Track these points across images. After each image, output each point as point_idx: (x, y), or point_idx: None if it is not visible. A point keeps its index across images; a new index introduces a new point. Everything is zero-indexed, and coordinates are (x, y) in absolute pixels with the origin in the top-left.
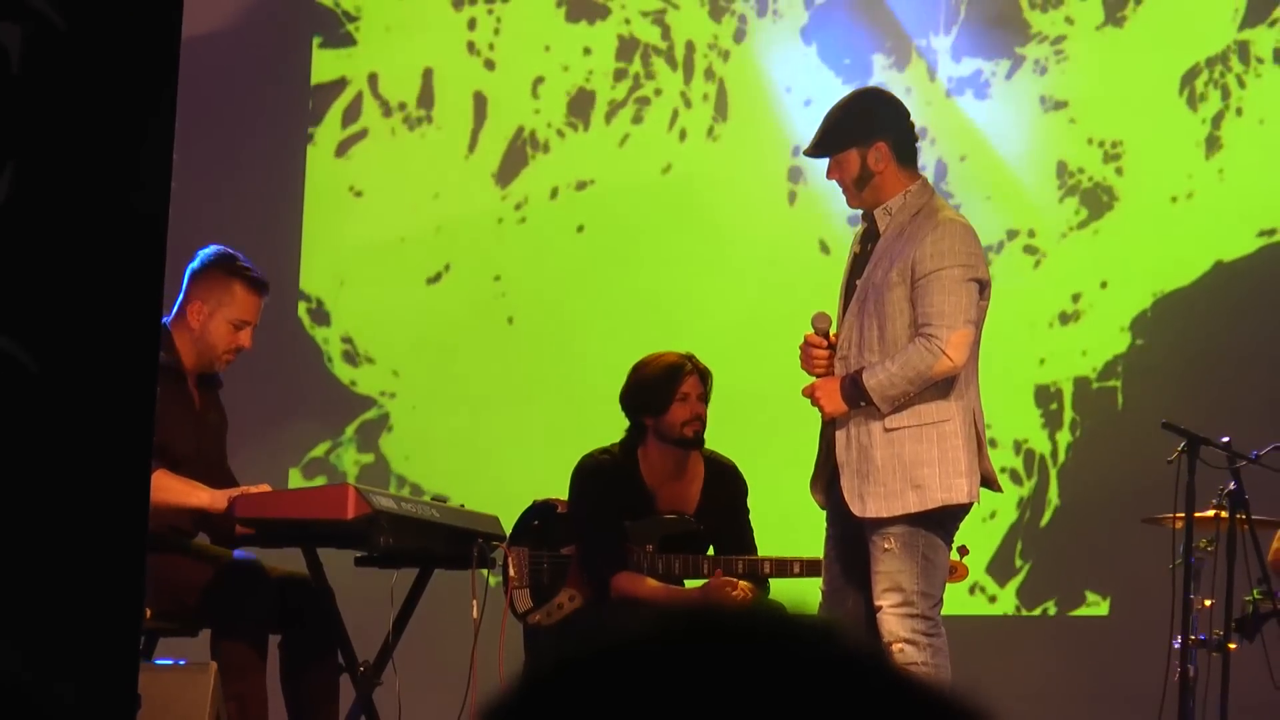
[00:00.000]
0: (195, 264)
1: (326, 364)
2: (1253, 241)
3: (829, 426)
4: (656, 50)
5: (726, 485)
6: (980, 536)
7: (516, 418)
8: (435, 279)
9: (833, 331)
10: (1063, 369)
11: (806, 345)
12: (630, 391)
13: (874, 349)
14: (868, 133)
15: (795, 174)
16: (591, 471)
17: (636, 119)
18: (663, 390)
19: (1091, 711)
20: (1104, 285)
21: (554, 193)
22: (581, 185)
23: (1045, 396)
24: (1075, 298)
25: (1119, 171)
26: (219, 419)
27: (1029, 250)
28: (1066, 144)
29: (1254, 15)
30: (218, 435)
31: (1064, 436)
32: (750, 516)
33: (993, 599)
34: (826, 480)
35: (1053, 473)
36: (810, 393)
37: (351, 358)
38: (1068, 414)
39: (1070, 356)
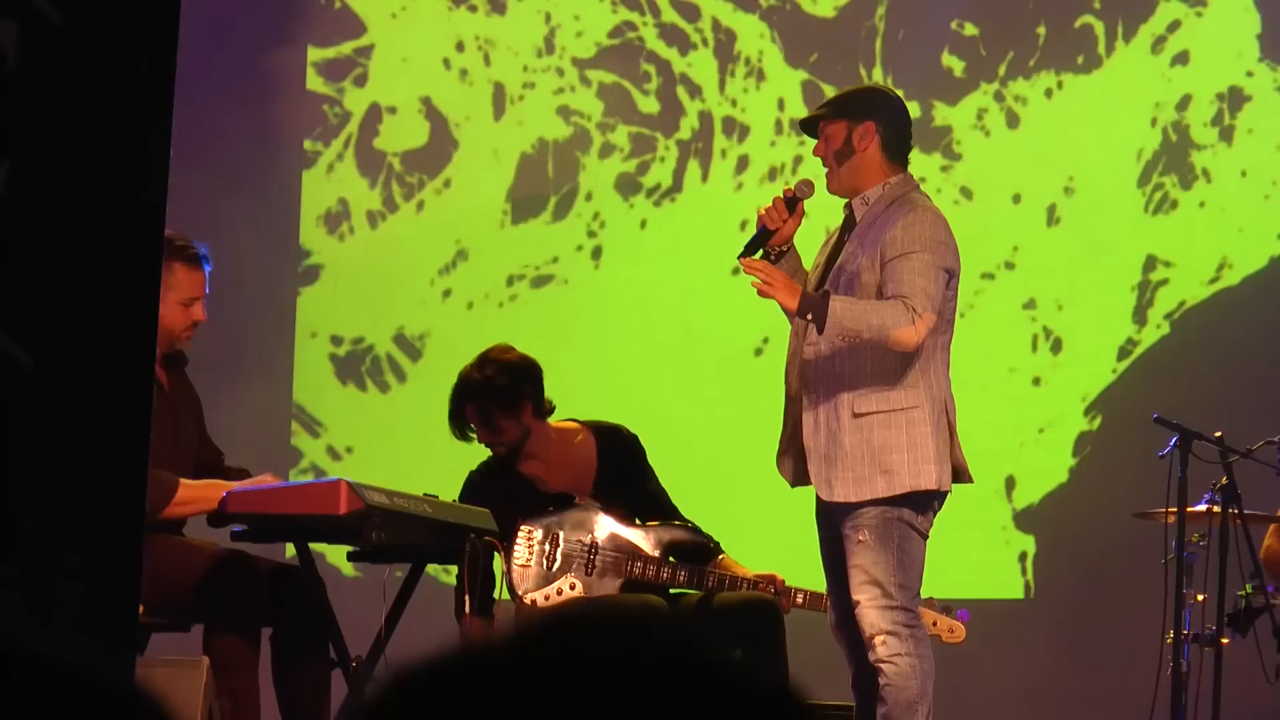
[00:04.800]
0: None
1: (303, 365)
2: (1247, 246)
3: (795, 404)
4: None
5: (622, 454)
6: (972, 530)
7: None
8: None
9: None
10: (1056, 365)
11: (776, 200)
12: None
13: None
14: (861, 111)
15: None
16: (466, 490)
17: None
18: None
19: (1084, 706)
20: (1098, 283)
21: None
22: (564, 194)
23: (1039, 390)
24: (1068, 296)
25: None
26: (189, 398)
27: (1017, 254)
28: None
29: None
30: (194, 413)
31: (1057, 431)
32: (657, 475)
33: (985, 593)
34: (793, 457)
35: (1045, 468)
36: (766, 287)
37: (332, 356)
38: (1060, 408)
39: (1063, 353)
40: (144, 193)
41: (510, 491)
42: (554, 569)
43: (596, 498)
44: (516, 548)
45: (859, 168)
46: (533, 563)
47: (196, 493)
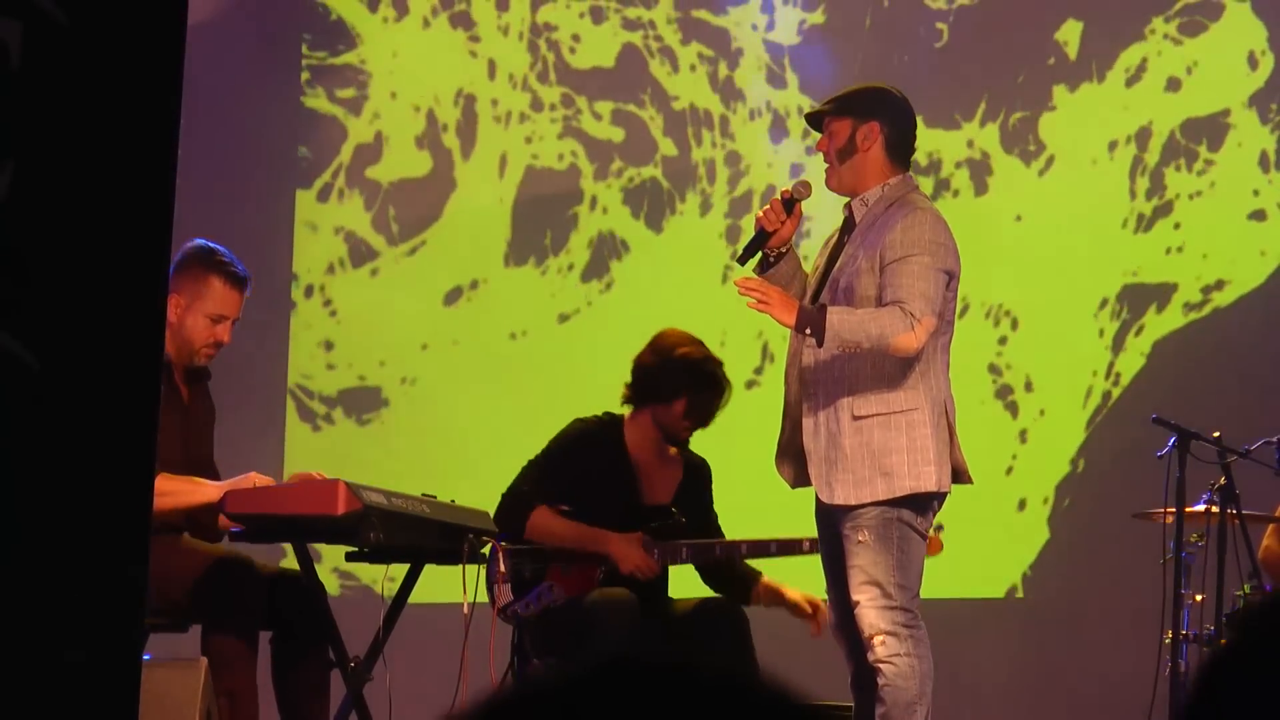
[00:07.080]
0: (177, 257)
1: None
2: (1243, 253)
3: (795, 406)
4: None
5: (701, 480)
6: (971, 529)
7: (488, 418)
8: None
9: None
10: (1055, 366)
11: (773, 202)
12: (659, 369)
13: None
14: (866, 110)
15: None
16: (577, 434)
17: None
18: (701, 395)
19: (1083, 706)
20: (1096, 285)
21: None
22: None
23: (1039, 389)
24: (1068, 301)
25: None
26: (207, 412)
27: (1016, 254)
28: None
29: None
30: (205, 428)
31: (1055, 431)
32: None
33: (984, 592)
34: (792, 458)
35: (1044, 468)
36: (762, 305)
37: (325, 361)
38: (1059, 408)
39: (1064, 350)
40: (150, 193)
41: (609, 462)
42: (530, 575)
43: (672, 508)
44: (500, 564)
45: (860, 167)
46: (509, 573)
47: (174, 485)
